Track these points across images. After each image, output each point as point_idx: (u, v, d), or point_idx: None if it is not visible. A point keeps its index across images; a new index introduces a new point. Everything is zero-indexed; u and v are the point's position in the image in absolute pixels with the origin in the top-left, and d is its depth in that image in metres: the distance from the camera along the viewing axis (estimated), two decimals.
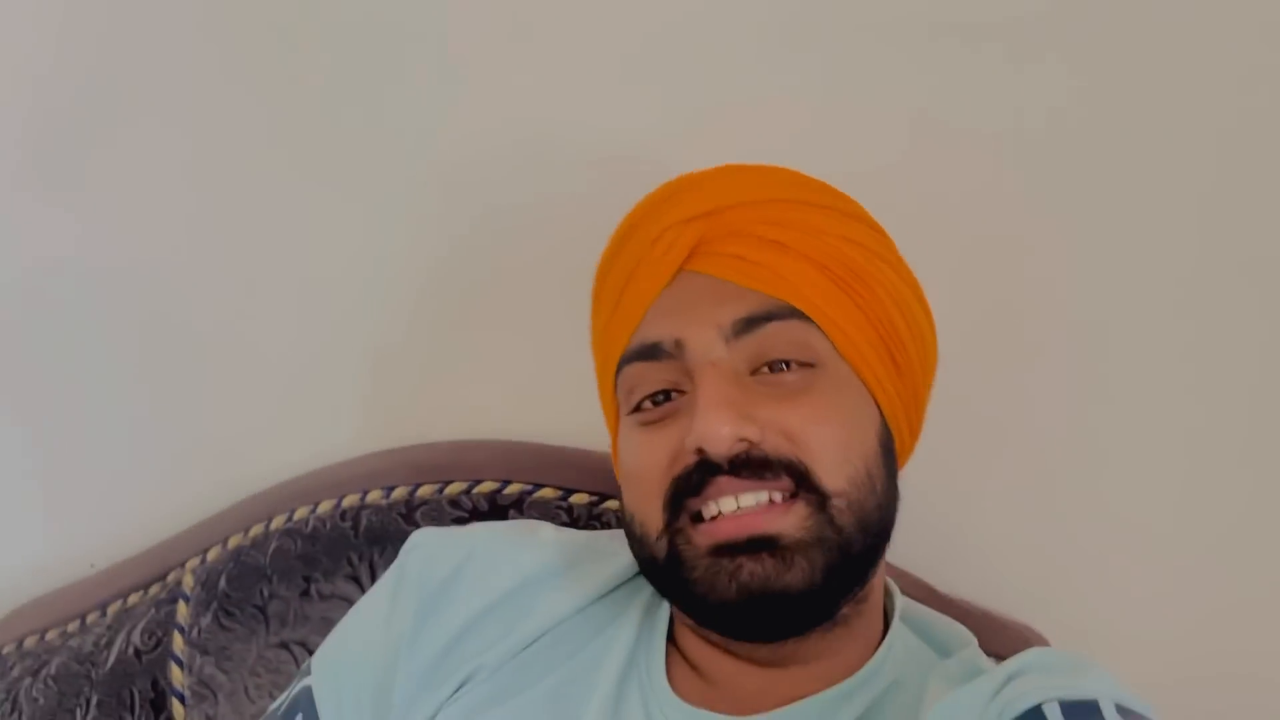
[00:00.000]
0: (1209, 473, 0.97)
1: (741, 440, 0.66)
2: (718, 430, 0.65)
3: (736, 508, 0.66)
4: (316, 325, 1.07)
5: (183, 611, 0.98)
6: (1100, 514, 0.98)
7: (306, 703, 0.76)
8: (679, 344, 0.70)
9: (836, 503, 0.67)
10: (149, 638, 0.99)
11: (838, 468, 0.67)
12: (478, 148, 1.03)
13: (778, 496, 0.67)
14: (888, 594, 0.77)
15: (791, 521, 0.66)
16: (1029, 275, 0.97)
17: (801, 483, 0.66)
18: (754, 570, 0.65)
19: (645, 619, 0.76)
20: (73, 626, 1.06)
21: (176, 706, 0.95)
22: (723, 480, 0.66)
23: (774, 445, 0.67)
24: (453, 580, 0.77)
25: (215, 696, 0.95)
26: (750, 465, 0.66)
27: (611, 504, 0.94)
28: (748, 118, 0.98)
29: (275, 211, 1.07)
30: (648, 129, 1.00)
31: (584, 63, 1.01)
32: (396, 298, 1.06)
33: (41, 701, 1.00)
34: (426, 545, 0.79)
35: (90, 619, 1.05)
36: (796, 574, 0.65)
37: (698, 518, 0.68)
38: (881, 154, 0.97)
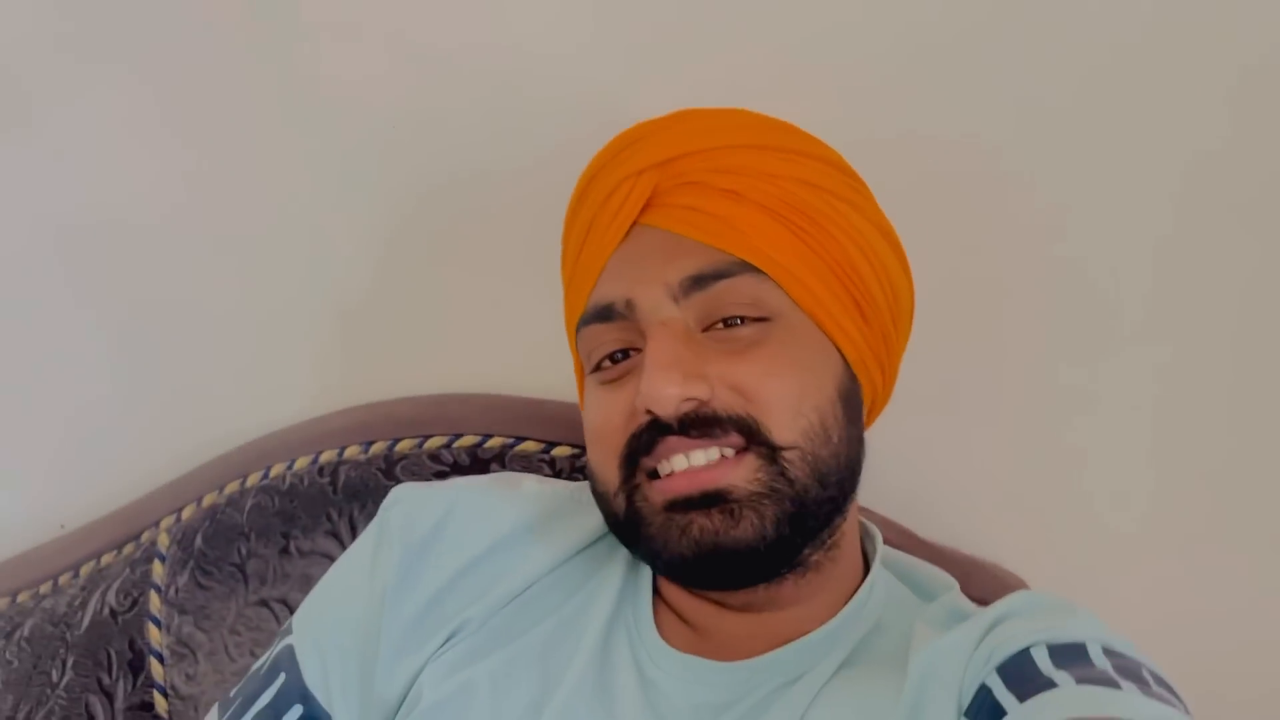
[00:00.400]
0: (1181, 419, 0.98)
1: (689, 400, 0.66)
2: (663, 391, 0.66)
3: (688, 465, 0.67)
4: (289, 281, 1.05)
5: (159, 571, 0.97)
6: (1076, 459, 0.99)
7: (289, 661, 0.75)
8: (630, 304, 0.70)
9: (788, 455, 0.67)
10: (124, 598, 0.98)
11: (790, 421, 0.67)
12: (451, 98, 1.01)
13: (729, 452, 0.67)
14: (868, 537, 0.77)
15: (741, 474, 0.66)
16: (1003, 222, 0.97)
17: (752, 437, 0.67)
18: (704, 526, 0.66)
19: (630, 568, 0.77)
20: (45, 588, 1.04)
21: (155, 666, 0.94)
22: (672, 440, 0.67)
23: (724, 403, 0.67)
24: (436, 535, 0.76)
25: (195, 655, 0.94)
26: (699, 424, 0.67)
27: None
28: (720, 62, 0.96)
29: (245, 166, 1.05)
30: (619, 75, 0.98)
31: (554, 8, 0.99)
32: (371, 252, 1.04)
33: (16, 664, 0.99)
34: (408, 500, 0.78)
35: (63, 580, 1.04)
36: (745, 528, 0.66)
37: (654, 474, 0.69)
38: (852, 99, 0.95)
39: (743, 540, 0.66)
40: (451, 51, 1.00)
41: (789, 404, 0.67)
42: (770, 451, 0.67)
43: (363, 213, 1.03)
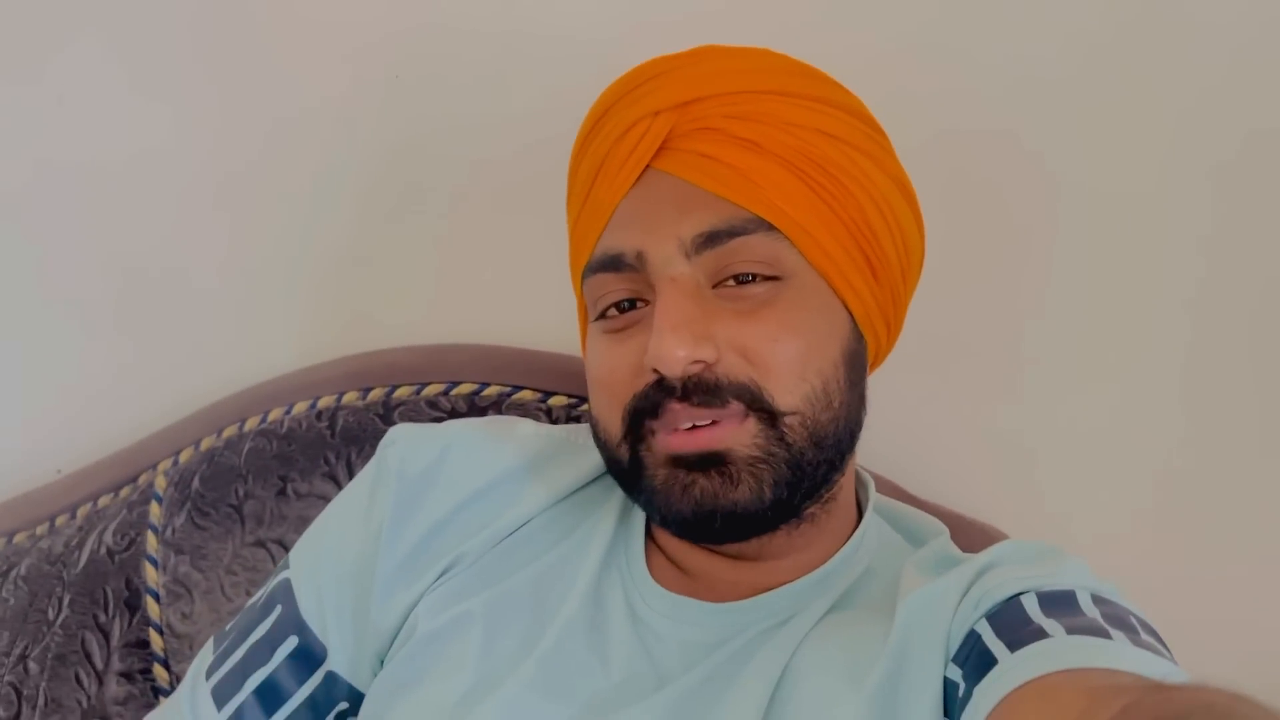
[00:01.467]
0: (1180, 387, 0.99)
1: (696, 362, 0.66)
2: (672, 353, 0.65)
3: (690, 424, 0.67)
4: (290, 229, 1.06)
5: (155, 512, 0.98)
6: (1059, 419, 1.00)
7: (285, 594, 0.76)
8: (640, 256, 0.69)
9: (789, 420, 0.67)
10: (121, 538, 0.98)
11: (793, 386, 0.67)
12: (450, 46, 1.01)
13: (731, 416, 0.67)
14: (861, 485, 0.78)
15: (742, 438, 0.67)
16: (1003, 185, 0.98)
17: (753, 404, 0.67)
18: (705, 487, 0.67)
19: (624, 511, 0.77)
20: (41, 529, 1.05)
21: (151, 604, 0.95)
22: (676, 406, 0.67)
23: (728, 367, 0.67)
24: (432, 472, 0.77)
25: (191, 595, 0.95)
26: (702, 389, 0.66)
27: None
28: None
29: (243, 114, 1.05)
30: (619, 15, 0.98)
31: None
32: (369, 200, 1.04)
33: (12, 602, 1.00)
34: (405, 439, 0.79)
35: (59, 521, 1.05)
36: (744, 491, 0.66)
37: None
38: (864, 41, 0.95)
39: (740, 503, 0.66)
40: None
41: (793, 369, 0.67)
42: (771, 417, 0.67)
43: (361, 161, 1.04)
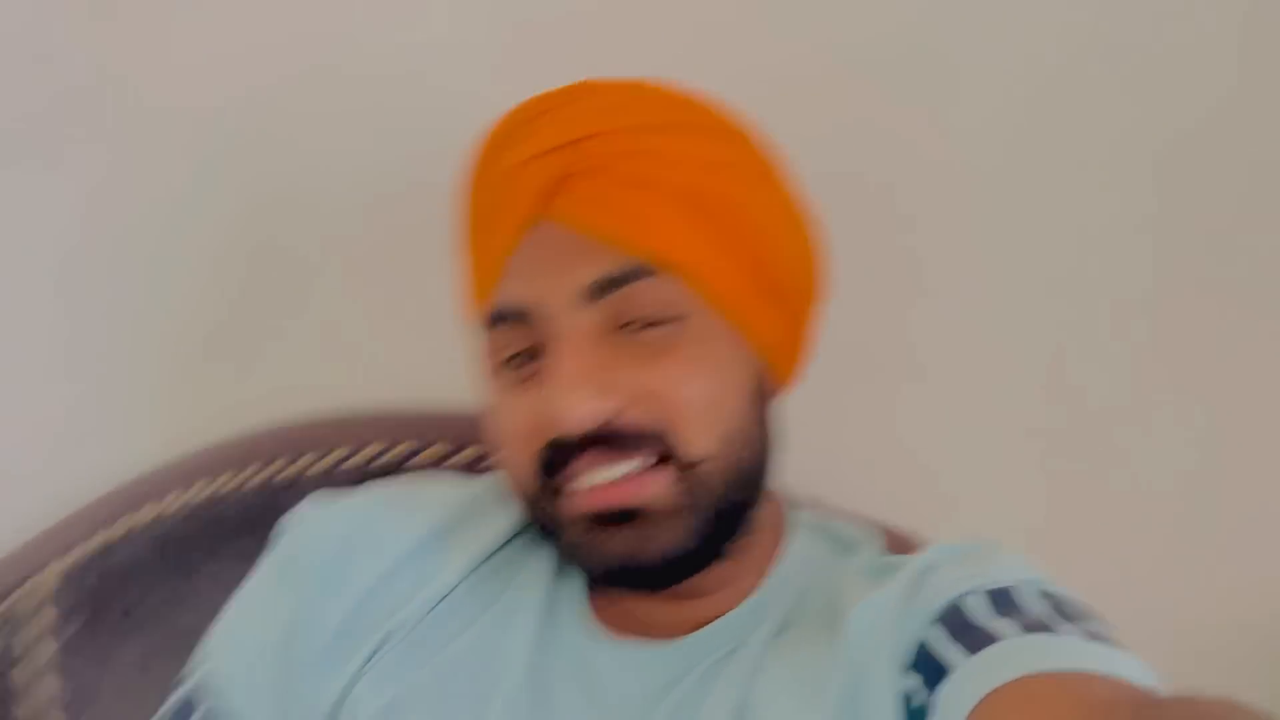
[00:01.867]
0: (1098, 391, 1.00)
1: (599, 416, 0.65)
2: (569, 413, 0.64)
3: (602, 478, 0.66)
4: (135, 318, 1.01)
5: (50, 617, 0.92)
6: (979, 425, 1.01)
7: (204, 694, 0.73)
8: (535, 309, 0.67)
9: (705, 466, 0.66)
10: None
11: (707, 429, 0.66)
12: (312, 104, 0.98)
13: (646, 461, 0.66)
14: (784, 503, 0.77)
15: (655, 491, 0.66)
16: (906, 188, 0.98)
17: (665, 453, 0.66)
18: (622, 540, 0.66)
19: (560, 564, 0.75)
20: None
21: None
22: (584, 459, 0.66)
23: (635, 416, 0.65)
24: (342, 552, 0.74)
25: (99, 700, 0.89)
26: (609, 441, 0.65)
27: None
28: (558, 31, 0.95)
29: (97, 183, 1.00)
30: (469, 61, 0.96)
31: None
32: (217, 279, 1.00)
33: None
34: (307, 522, 0.76)
35: None
36: (663, 542, 0.66)
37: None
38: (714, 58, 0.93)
39: (661, 553, 0.66)
40: (291, 50, 0.97)
41: (706, 410, 0.66)
42: (685, 464, 0.66)
43: (204, 238, 0.99)
